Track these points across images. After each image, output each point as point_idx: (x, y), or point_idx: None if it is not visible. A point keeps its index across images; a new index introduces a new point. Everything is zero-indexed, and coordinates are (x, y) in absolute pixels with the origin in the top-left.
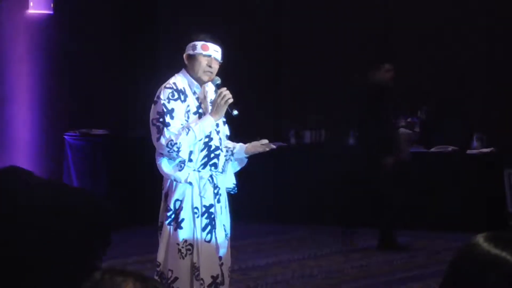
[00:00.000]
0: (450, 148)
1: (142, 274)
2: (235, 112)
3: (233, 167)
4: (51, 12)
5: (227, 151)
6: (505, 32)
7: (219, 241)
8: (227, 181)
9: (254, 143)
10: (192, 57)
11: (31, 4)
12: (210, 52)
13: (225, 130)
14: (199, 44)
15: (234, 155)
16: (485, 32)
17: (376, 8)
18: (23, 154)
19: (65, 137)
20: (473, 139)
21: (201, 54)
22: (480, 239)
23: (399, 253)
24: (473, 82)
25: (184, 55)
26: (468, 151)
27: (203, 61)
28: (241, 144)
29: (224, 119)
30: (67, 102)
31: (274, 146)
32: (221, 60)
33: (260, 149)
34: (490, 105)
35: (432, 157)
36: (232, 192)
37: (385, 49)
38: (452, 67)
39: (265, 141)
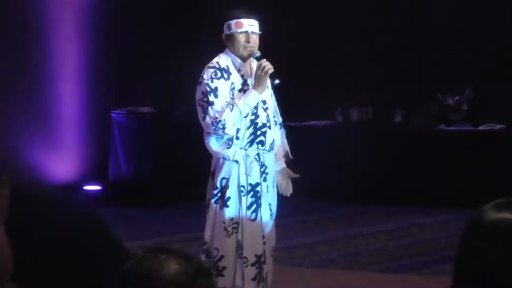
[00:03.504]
0: (498, 126)
1: (186, 252)
2: (277, 81)
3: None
4: None
5: None
6: None
7: (264, 220)
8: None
9: (286, 174)
10: (230, 36)
11: None
12: (245, 28)
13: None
14: (233, 22)
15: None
16: None
17: None
18: (70, 132)
19: (112, 115)
20: None
21: (236, 32)
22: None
23: (445, 231)
24: None
25: (222, 36)
26: None
27: (241, 38)
28: (281, 162)
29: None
30: (114, 81)
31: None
32: (259, 31)
33: (284, 183)
34: None
35: (480, 135)
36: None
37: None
38: (500, 44)
39: (296, 176)
